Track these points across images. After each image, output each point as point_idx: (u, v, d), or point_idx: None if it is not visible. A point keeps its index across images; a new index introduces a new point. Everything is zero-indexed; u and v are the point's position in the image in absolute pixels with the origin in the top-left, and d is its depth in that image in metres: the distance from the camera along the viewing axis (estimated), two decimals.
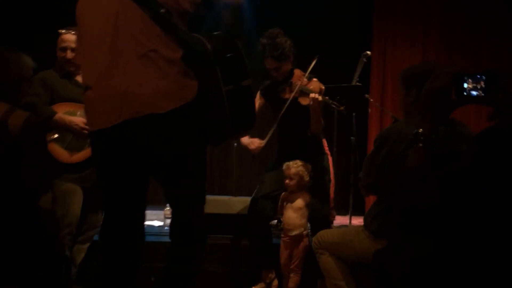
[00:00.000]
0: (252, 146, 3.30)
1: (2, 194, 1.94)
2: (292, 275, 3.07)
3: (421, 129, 1.32)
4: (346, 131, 4.31)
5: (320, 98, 3.09)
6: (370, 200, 5.00)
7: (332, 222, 3.27)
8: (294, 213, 3.06)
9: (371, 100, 4.20)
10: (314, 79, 3.29)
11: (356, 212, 4.29)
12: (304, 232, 3.07)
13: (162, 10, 1.75)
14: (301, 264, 3.07)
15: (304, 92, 3.20)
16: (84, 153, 2.88)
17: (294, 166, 3.06)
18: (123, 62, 1.74)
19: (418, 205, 1.24)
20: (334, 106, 3.17)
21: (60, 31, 3.02)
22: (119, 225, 1.88)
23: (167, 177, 1.88)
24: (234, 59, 1.92)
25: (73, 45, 2.90)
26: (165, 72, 1.76)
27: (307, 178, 3.08)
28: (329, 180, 3.33)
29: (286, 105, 3.22)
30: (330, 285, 2.48)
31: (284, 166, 3.12)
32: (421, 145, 1.30)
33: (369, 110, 4.42)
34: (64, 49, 2.97)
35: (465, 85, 1.28)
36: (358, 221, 4.08)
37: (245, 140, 3.34)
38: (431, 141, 1.30)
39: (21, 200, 1.98)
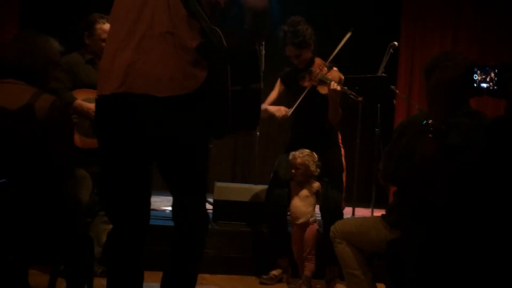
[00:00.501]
0: (279, 114, 3.30)
1: (29, 177, 1.99)
2: (306, 263, 3.09)
3: (430, 120, 1.30)
4: (371, 123, 4.26)
5: (338, 88, 3.07)
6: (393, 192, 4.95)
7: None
8: (301, 202, 3.10)
9: (397, 91, 4.14)
10: (334, 69, 3.27)
11: (379, 205, 4.25)
12: (311, 219, 3.09)
13: None
14: (313, 252, 3.09)
15: (323, 81, 3.18)
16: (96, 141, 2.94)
17: (300, 156, 3.08)
18: (138, 37, 1.73)
19: (428, 196, 1.23)
20: (352, 96, 3.16)
21: (95, 18, 3.01)
22: (121, 205, 1.86)
23: (160, 162, 1.86)
24: (247, 61, 1.90)
25: None
26: (175, 58, 1.73)
27: (313, 168, 3.08)
28: (341, 171, 3.30)
29: (304, 93, 3.22)
30: (347, 274, 2.48)
31: (290, 156, 3.14)
32: (430, 135, 1.28)
33: (394, 102, 4.36)
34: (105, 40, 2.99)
35: (476, 77, 1.26)
36: (380, 213, 4.04)
37: (272, 108, 3.36)
38: (440, 132, 1.28)
39: (48, 183, 2.03)
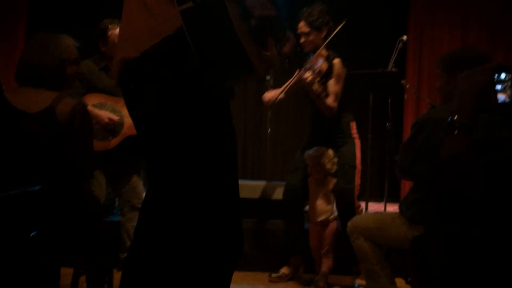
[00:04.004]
0: (264, 99, 3.29)
1: (51, 178, 2.01)
2: (324, 259, 3.10)
3: (456, 116, 1.31)
4: (382, 117, 4.27)
5: (307, 78, 2.99)
6: (406, 187, 4.96)
7: (357, 209, 3.21)
8: (320, 199, 3.10)
9: (407, 86, 4.13)
10: (335, 61, 3.17)
11: (391, 199, 4.26)
12: (331, 217, 3.09)
13: None
14: (331, 249, 3.10)
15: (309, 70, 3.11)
16: (108, 144, 2.99)
17: (315, 155, 3.07)
18: (125, 8, 1.50)
19: (461, 192, 1.24)
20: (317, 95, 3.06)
21: (106, 25, 3.03)
22: None
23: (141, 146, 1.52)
24: None
25: None
26: (148, 7, 1.40)
27: (329, 166, 3.07)
28: (353, 166, 3.20)
29: (292, 79, 3.21)
30: (365, 269, 2.49)
31: (305, 155, 3.14)
32: (457, 132, 1.30)
33: (405, 96, 4.36)
34: None
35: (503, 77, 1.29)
36: (393, 208, 4.06)
37: (267, 93, 3.33)
38: (468, 128, 1.29)
39: (70, 184, 2.05)
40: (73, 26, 4.79)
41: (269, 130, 4.47)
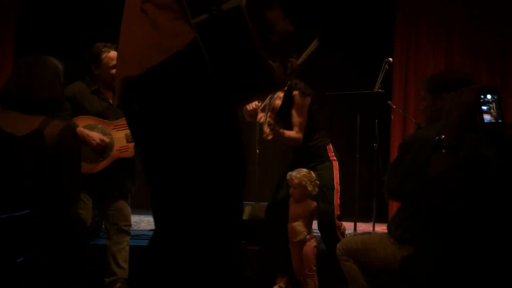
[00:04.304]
0: (244, 112, 3.25)
1: (38, 201, 1.98)
2: (308, 280, 3.09)
3: (443, 135, 1.34)
4: (369, 138, 4.31)
5: (260, 120, 3.06)
6: (394, 207, 4.98)
7: (339, 229, 3.16)
8: (298, 220, 3.12)
9: (394, 106, 4.19)
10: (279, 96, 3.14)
11: (380, 219, 4.27)
12: (307, 237, 3.10)
13: None
14: (313, 269, 3.10)
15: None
16: (97, 166, 2.97)
17: (297, 176, 3.10)
18: (125, 23, 1.46)
19: (447, 209, 1.26)
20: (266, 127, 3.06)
21: (99, 48, 3.01)
22: None
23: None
24: None
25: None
26: (154, 23, 1.35)
27: (310, 187, 3.09)
28: (331, 188, 3.20)
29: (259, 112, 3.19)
30: None
31: (288, 176, 3.15)
32: (444, 151, 1.32)
33: (392, 117, 4.41)
34: (114, 67, 2.94)
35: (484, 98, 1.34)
36: (381, 228, 4.07)
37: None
38: (454, 147, 1.32)
39: (56, 207, 2.02)
40: (62, 46, 4.83)
41: (257, 151, 4.49)
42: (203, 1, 1.29)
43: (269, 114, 3.08)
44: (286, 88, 3.15)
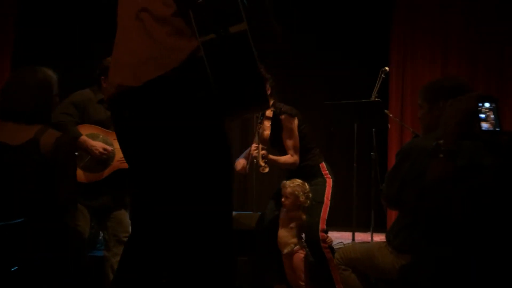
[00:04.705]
0: (238, 167, 3.29)
1: (34, 209, 1.97)
2: None
3: (441, 141, 1.35)
4: (366, 147, 4.30)
5: (253, 153, 3.10)
6: (392, 216, 4.96)
7: (323, 242, 3.13)
8: (286, 232, 3.12)
9: (391, 115, 4.19)
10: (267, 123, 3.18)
11: (378, 229, 4.26)
12: (295, 248, 3.09)
13: None
14: (306, 278, 3.09)
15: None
16: (98, 175, 2.96)
17: (291, 186, 3.10)
18: (121, 28, 1.48)
19: (445, 215, 1.26)
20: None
21: (109, 62, 3.05)
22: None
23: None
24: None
25: None
26: (151, 35, 1.38)
27: (302, 198, 3.09)
28: (320, 202, 3.21)
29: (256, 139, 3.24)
30: None
31: (281, 184, 3.16)
32: (441, 156, 1.32)
33: (389, 126, 4.41)
34: None
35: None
36: (379, 237, 4.05)
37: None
38: (453, 153, 1.32)
39: (52, 215, 2.01)
40: (60, 55, 4.83)
41: (254, 161, 4.47)
42: (210, 22, 1.34)
43: (260, 146, 3.11)
44: (271, 116, 3.21)
